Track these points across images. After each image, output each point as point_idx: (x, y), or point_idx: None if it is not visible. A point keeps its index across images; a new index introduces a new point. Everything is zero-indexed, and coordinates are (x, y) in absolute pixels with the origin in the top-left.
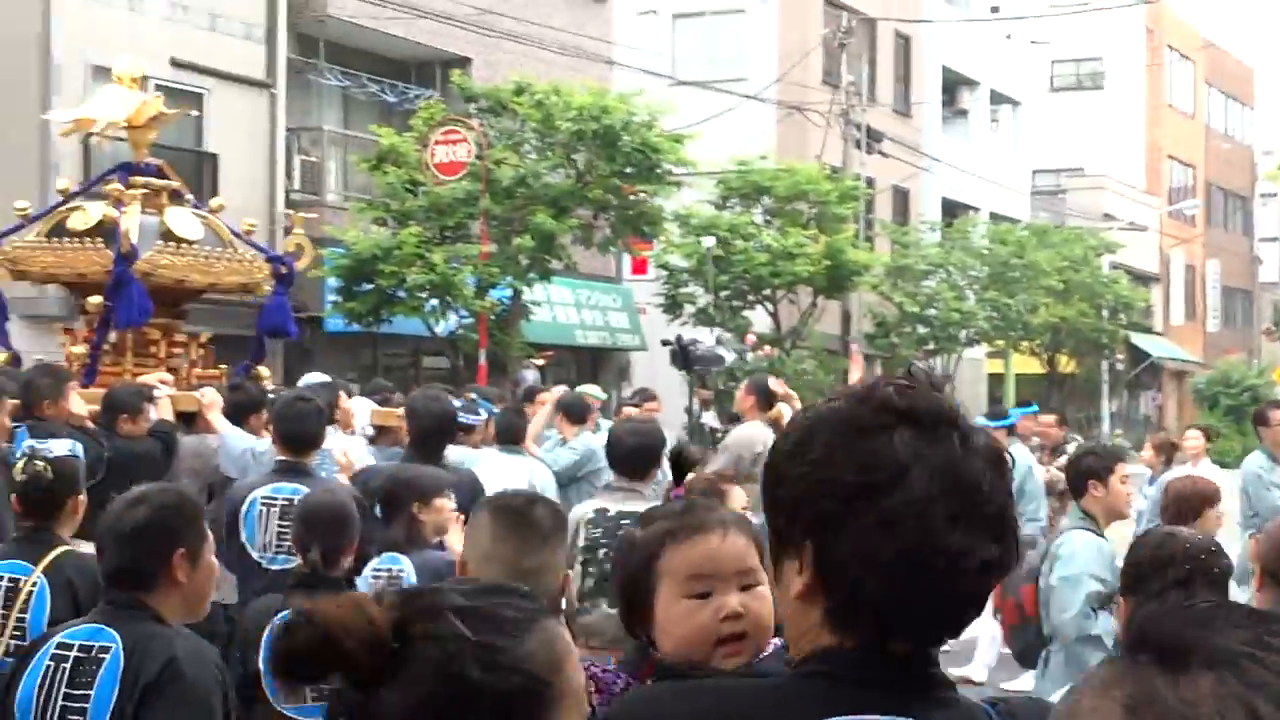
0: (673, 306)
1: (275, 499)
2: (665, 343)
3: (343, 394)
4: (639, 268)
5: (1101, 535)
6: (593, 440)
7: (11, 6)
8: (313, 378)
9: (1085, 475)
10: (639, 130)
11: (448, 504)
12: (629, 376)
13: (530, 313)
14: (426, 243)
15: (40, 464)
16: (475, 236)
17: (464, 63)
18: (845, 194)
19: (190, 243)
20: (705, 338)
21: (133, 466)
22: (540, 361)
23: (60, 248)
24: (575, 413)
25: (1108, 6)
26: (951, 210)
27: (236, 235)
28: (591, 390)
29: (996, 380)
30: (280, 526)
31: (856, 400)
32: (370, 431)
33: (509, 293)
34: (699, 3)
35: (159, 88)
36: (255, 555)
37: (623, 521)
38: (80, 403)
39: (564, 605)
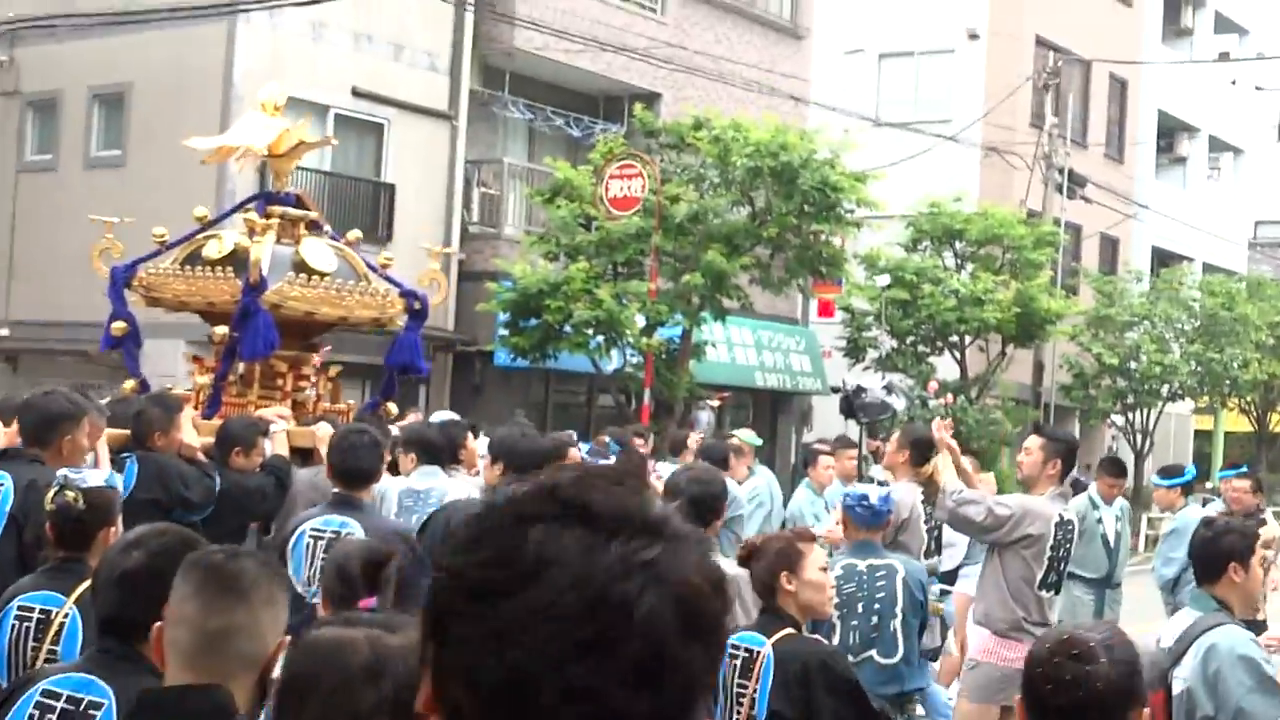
0: (854, 350)
1: (323, 532)
2: (834, 389)
3: (469, 434)
4: (825, 310)
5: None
6: (732, 485)
7: (196, 36)
8: (442, 415)
9: (1225, 556)
10: (819, 168)
11: None
12: (810, 421)
13: (702, 352)
14: (596, 278)
15: (71, 494)
16: (647, 273)
17: (653, 98)
18: (1041, 239)
19: (323, 275)
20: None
21: (244, 501)
22: (715, 403)
23: (192, 276)
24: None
25: None
26: (1163, 260)
27: (372, 268)
28: (745, 435)
29: (1205, 437)
30: (325, 560)
31: (531, 485)
32: None
33: (679, 331)
34: (907, 42)
35: (339, 117)
36: (300, 588)
37: None
38: (194, 434)
39: None
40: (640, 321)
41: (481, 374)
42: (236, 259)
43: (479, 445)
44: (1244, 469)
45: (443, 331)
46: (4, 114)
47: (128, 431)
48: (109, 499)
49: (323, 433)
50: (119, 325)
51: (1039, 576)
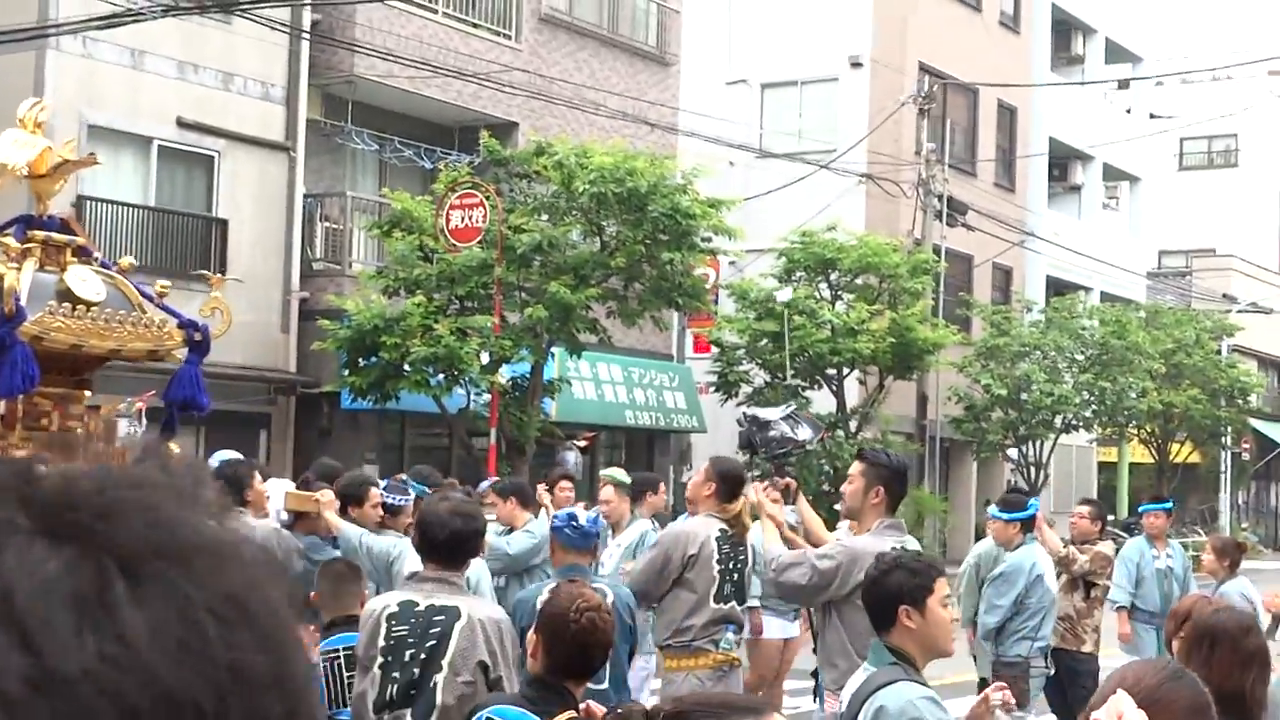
0: (725, 386)
1: None
2: (739, 422)
3: (257, 475)
4: (701, 346)
5: None
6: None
7: (3, 60)
8: (223, 455)
9: (893, 599)
10: (669, 194)
11: None
12: (689, 460)
13: (556, 390)
14: (435, 313)
15: None
16: (490, 307)
17: (510, 127)
18: (918, 267)
19: (90, 304)
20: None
21: None
22: (582, 442)
23: None
24: (526, 498)
25: (1241, 73)
26: (1059, 290)
27: (148, 298)
28: (614, 474)
29: (1111, 470)
30: None
31: None
32: (285, 517)
33: (528, 368)
34: (790, 71)
35: (163, 149)
36: None
37: (435, 618)
38: None
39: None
40: (485, 358)
41: (330, 417)
42: (4, 291)
43: (268, 486)
44: (1168, 504)
45: (284, 373)
46: None
47: None
48: None
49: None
50: None
51: None
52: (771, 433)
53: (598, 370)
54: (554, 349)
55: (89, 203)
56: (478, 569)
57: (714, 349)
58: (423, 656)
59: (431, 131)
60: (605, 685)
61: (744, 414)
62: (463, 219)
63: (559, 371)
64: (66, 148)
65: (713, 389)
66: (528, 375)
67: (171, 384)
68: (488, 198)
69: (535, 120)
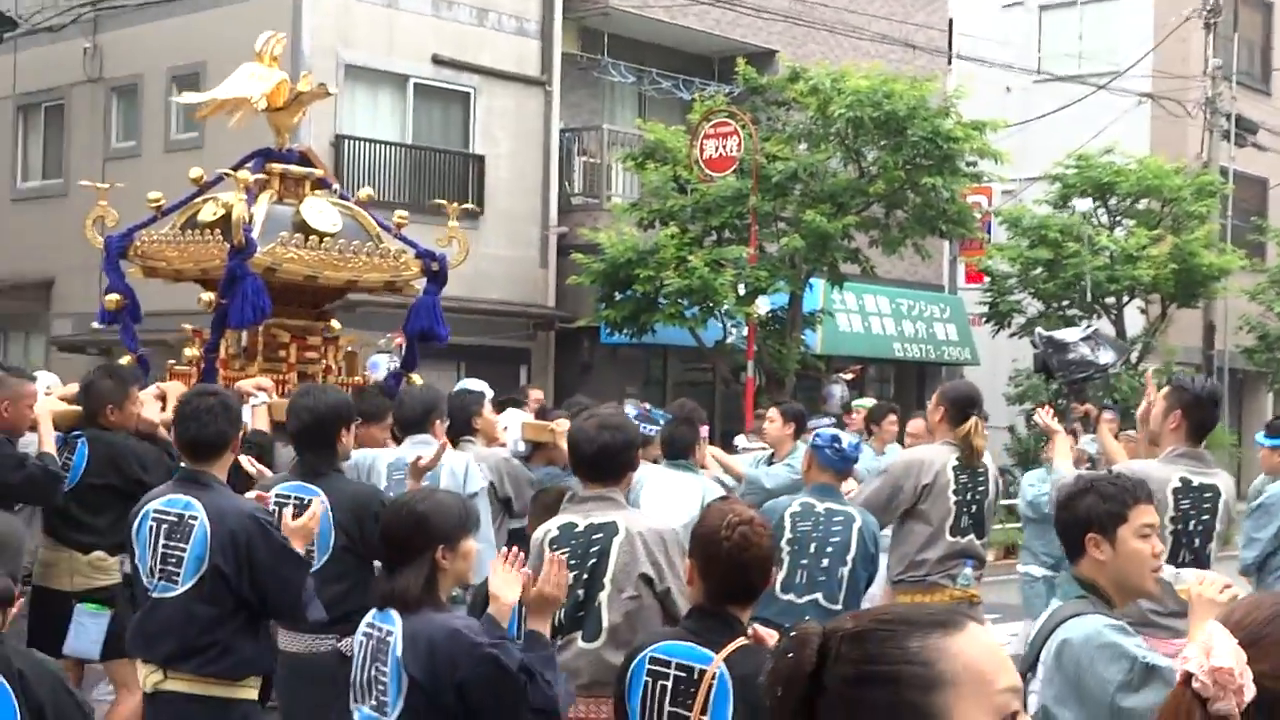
0: (996, 317)
1: (167, 514)
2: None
3: (487, 404)
4: (974, 276)
5: None
6: None
7: (264, 10)
8: (467, 383)
9: (1080, 525)
10: (930, 118)
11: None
12: None
13: (816, 322)
14: (690, 244)
15: None
16: (745, 238)
17: (770, 56)
18: (1202, 190)
19: (324, 235)
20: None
21: None
22: (848, 376)
23: (183, 241)
24: (803, 427)
25: None
26: None
27: (385, 229)
28: (866, 403)
29: None
30: (166, 548)
31: None
32: (523, 447)
33: (786, 299)
34: None
35: (419, 87)
36: (145, 580)
37: (594, 536)
38: (154, 408)
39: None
40: (740, 290)
41: (590, 352)
42: (229, 222)
43: (505, 416)
44: None
45: (543, 308)
46: (91, 101)
47: (78, 409)
48: None
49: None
50: (113, 298)
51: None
52: (1070, 355)
53: (864, 302)
54: (813, 280)
55: (347, 141)
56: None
57: (985, 278)
58: (585, 577)
59: (689, 62)
60: (839, 607)
61: (1039, 335)
62: (717, 148)
63: (824, 303)
64: (303, 80)
65: (984, 320)
66: (786, 307)
67: (410, 315)
68: (743, 127)
69: (795, 48)
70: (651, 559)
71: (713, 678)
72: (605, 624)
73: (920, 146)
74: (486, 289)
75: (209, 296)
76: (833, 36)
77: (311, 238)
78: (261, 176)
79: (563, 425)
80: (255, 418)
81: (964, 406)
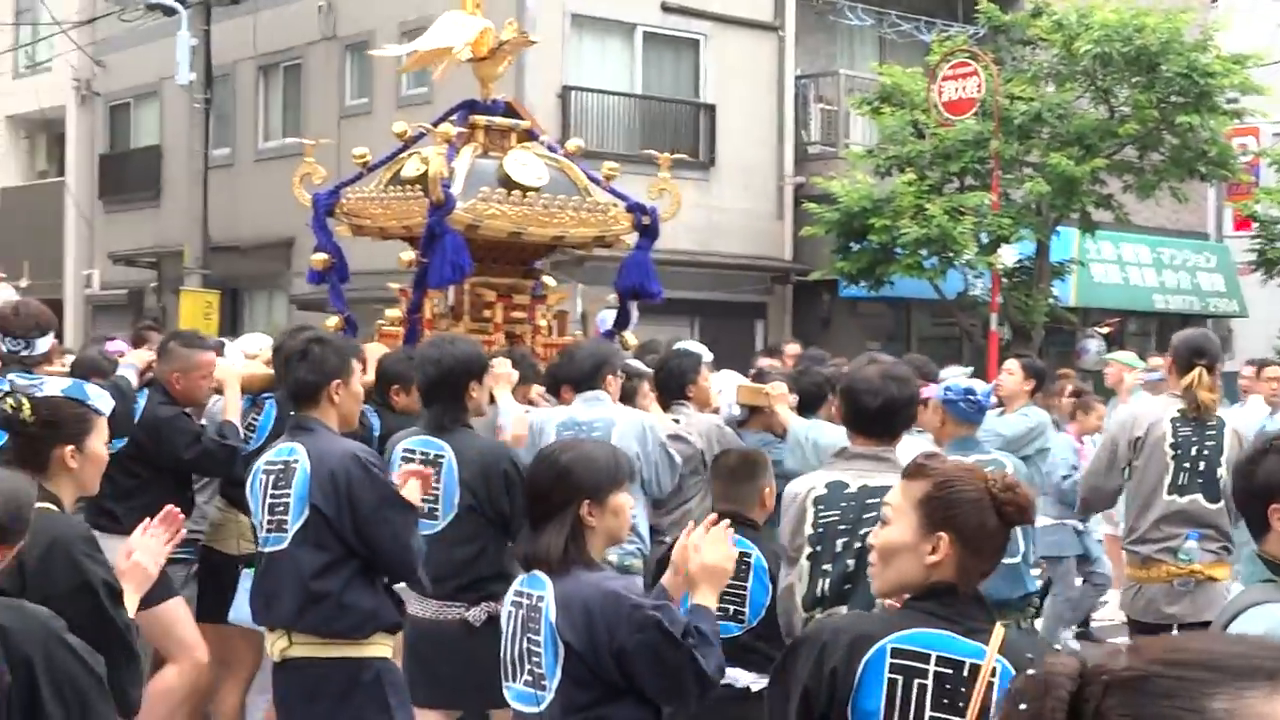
0: (1267, 264)
1: (275, 464)
2: None
3: (704, 369)
4: (1244, 223)
5: None
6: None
7: None
8: (685, 344)
9: (1263, 494)
10: (1186, 52)
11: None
12: (1230, 348)
13: (1065, 272)
14: (928, 192)
15: (11, 402)
16: (986, 184)
17: None
18: None
19: (529, 189)
20: None
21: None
22: (1105, 330)
23: (387, 198)
24: (1043, 381)
25: None
26: None
27: (595, 180)
28: (1122, 357)
29: None
30: (273, 497)
31: None
32: (737, 412)
33: (1033, 249)
34: None
35: (647, 35)
36: (260, 537)
37: (869, 501)
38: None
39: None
40: (981, 239)
41: (829, 306)
42: (430, 179)
43: (719, 378)
44: None
45: (779, 261)
46: (325, 60)
47: (270, 371)
48: (65, 413)
49: (498, 369)
50: (320, 258)
51: None
52: None
53: (1121, 251)
54: (1062, 228)
55: (573, 93)
56: None
57: (1253, 225)
58: (856, 545)
59: (931, 3)
60: (1018, 559)
61: None
62: (956, 90)
63: (1078, 253)
64: (507, 28)
65: (1254, 268)
66: (1033, 257)
67: (621, 271)
68: (984, 67)
69: None
70: None
71: (993, 674)
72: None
73: (1175, 83)
74: (720, 242)
75: (409, 255)
76: None
77: (515, 192)
78: (465, 130)
79: (778, 389)
80: None
81: (1190, 356)
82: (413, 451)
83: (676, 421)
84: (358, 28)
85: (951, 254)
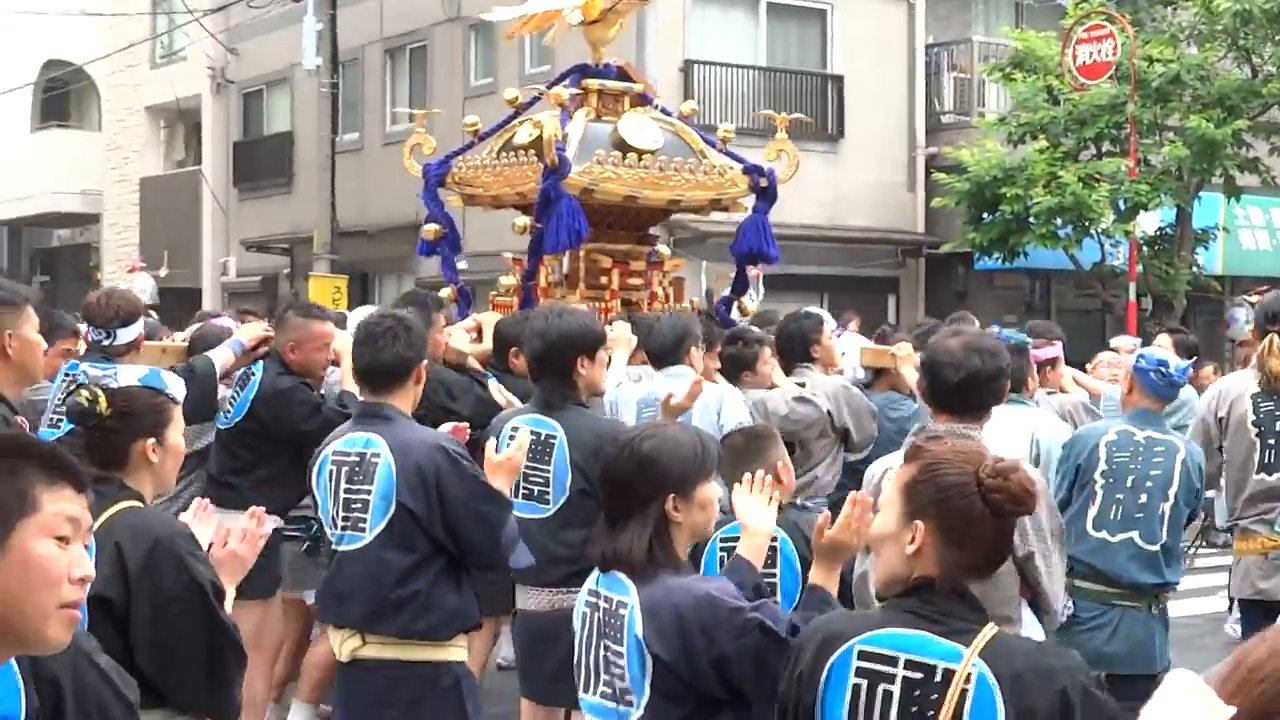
0: None
1: (347, 455)
2: None
3: (825, 329)
4: None
5: None
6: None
7: None
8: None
9: None
10: None
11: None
12: None
13: (1208, 239)
14: (1062, 159)
15: (87, 395)
16: (1123, 149)
17: None
18: None
19: (644, 152)
20: None
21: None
22: (1254, 298)
23: (499, 165)
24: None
25: None
26: None
27: (710, 144)
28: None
29: None
30: (348, 493)
31: None
32: (862, 374)
33: (1174, 215)
34: None
35: (771, 6)
36: (329, 532)
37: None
38: (464, 339)
39: None
40: (1119, 206)
41: (965, 279)
42: (543, 143)
43: (843, 342)
44: None
45: (911, 234)
46: (450, 41)
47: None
48: (142, 403)
49: (618, 333)
50: (431, 228)
51: None
52: None
53: (1271, 216)
54: (1205, 194)
55: (696, 66)
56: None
57: None
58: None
59: None
60: (1158, 547)
61: None
62: (1091, 54)
63: (1225, 219)
64: None
65: None
66: (1174, 224)
67: (738, 235)
68: (1120, 30)
69: None
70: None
71: (967, 680)
72: None
73: None
74: (850, 215)
75: (524, 221)
76: None
77: (630, 155)
78: (577, 93)
79: (904, 350)
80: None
81: (1266, 321)
82: (518, 430)
83: (801, 385)
84: (481, 6)
85: (1087, 223)
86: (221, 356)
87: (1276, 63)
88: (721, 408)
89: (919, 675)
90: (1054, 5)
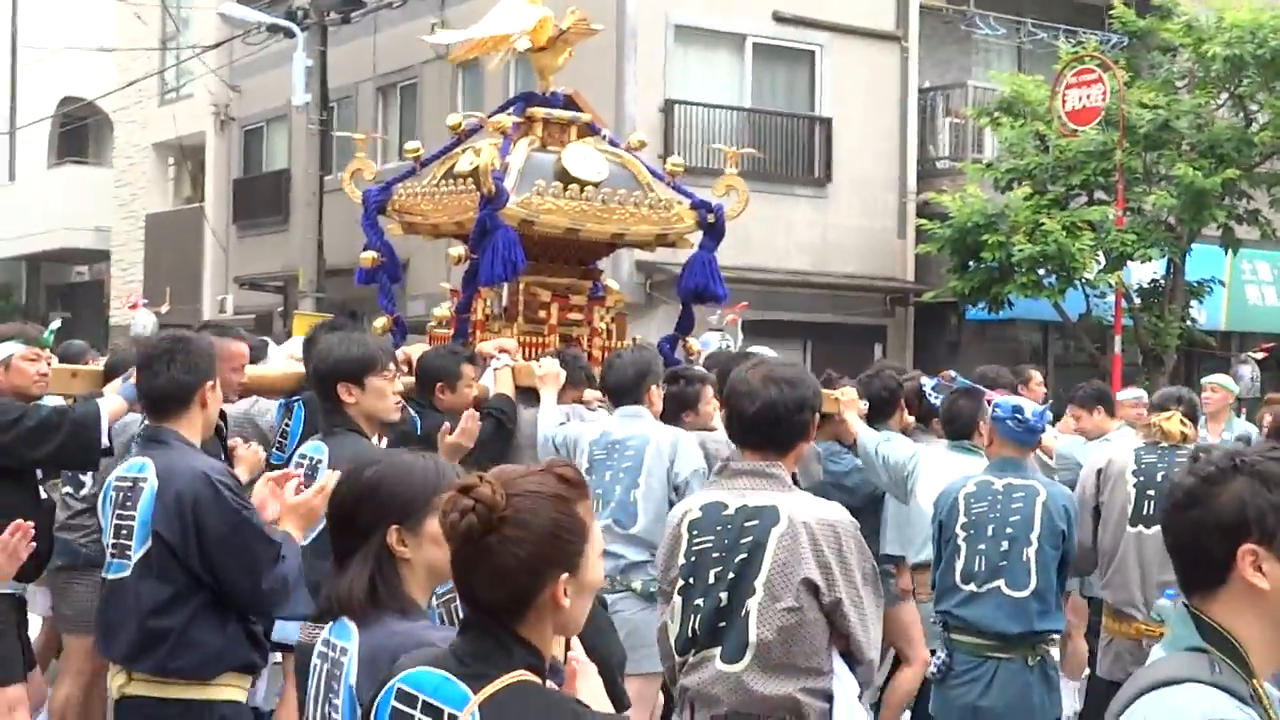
0: None
1: (124, 479)
2: None
3: None
4: None
5: None
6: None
7: None
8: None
9: (1230, 531)
10: None
11: None
12: None
13: (1203, 292)
14: (1048, 206)
15: None
16: (1109, 197)
17: None
18: None
19: (587, 184)
20: None
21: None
22: (1259, 355)
23: (439, 193)
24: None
25: None
26: None
27: (657, 176)
28: (1219, 380)
29: None
30: (119, 519)
31: None
32: None
33: (1165, 267)
34: None
35: (758, 46)
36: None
37: (747, 524)
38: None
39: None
40: (1104, 256)
41: (957, 329)
42: (481, 171)
43: None
44: None
45: (899, 282)
46: (439, 78)
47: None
48: None
49: (545, 369)
50: (369, 256)
51: None
52: None
53: (1278, 271)
54: (1204, 246)
55: (678, 106)
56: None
57: None
58: (731, 576)
59: (1072, 11)
60: (1027, 593)
61: None
62: (1080, 99)
63: (1230, 272)
64: (568, 16)
65: None
66: (1167, 275)
67: (684, 272)
68: (1109, 75)
69: None
70: (820, 559)
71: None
72: (752, 640)
73: None
74: (836, 262)
75: (459, 251)
76: None
77: (572, 187)
78: (520, 121)
79: (848, 394)
80: (497, 381)
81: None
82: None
83: None
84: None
85: (1071, 272)
86: (112, 405)
87: (1272, 110)
88: (676, 455)
89: (429, 718)
90: (1055, 52)
